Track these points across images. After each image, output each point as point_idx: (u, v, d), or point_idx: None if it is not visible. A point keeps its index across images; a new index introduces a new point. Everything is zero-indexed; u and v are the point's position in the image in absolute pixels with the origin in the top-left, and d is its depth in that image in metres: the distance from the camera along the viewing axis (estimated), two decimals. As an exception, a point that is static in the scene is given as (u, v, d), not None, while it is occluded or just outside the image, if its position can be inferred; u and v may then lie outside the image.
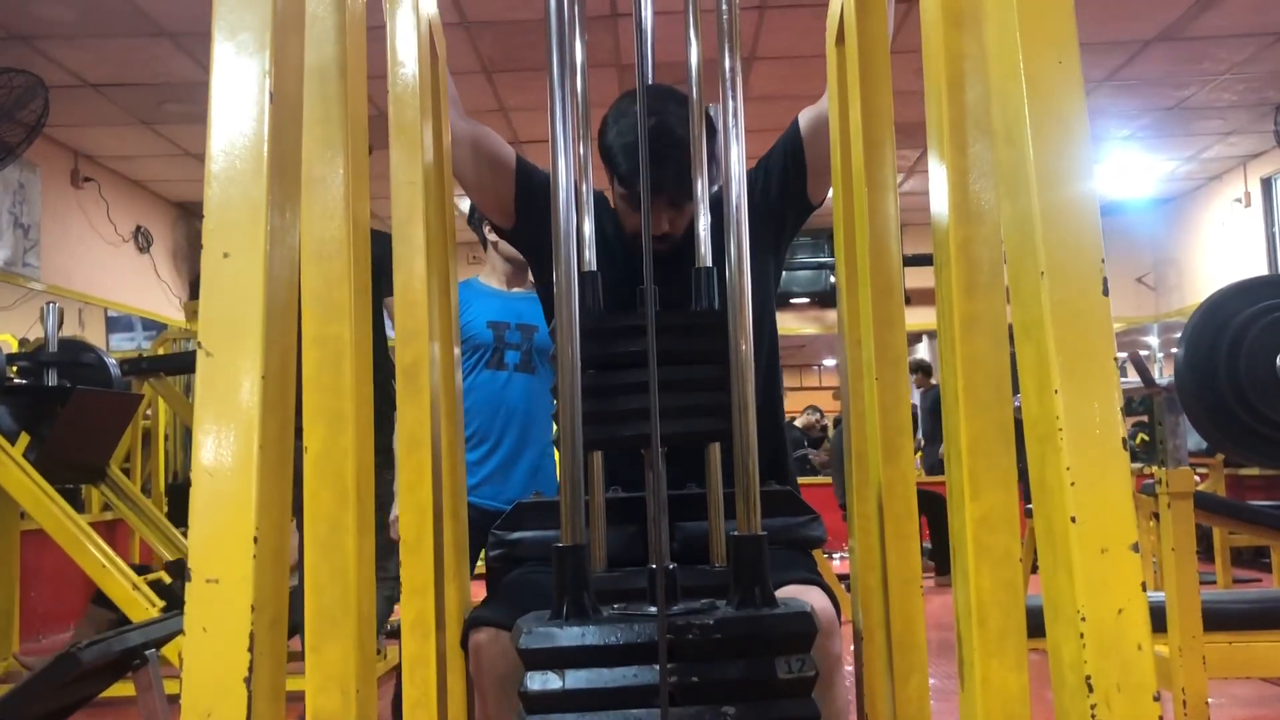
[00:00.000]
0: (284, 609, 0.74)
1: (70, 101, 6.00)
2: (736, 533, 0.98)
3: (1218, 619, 2.31)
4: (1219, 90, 6.72)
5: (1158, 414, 2.38)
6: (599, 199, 1.90)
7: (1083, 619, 0.70)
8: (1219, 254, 8.75)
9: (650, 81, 1.70)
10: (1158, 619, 2.31)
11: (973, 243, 0.98)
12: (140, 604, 4.21)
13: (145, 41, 5.34)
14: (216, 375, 0.74)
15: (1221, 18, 5.54)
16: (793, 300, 9.70)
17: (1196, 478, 2.33)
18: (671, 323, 1.16)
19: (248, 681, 0.70)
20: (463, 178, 1.89)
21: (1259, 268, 7.94)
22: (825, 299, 9.50)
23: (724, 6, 1.32)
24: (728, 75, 1.33)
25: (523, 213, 1.91)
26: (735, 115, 1.33)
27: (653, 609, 0.97)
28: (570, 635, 0.92)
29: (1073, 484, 0.72)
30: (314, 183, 0.92)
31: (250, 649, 0.70)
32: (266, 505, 0.73)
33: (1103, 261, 0.75)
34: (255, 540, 0.72)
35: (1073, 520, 0.71)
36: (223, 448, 0.73)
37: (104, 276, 7.37)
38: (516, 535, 1.72)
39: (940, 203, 1.00)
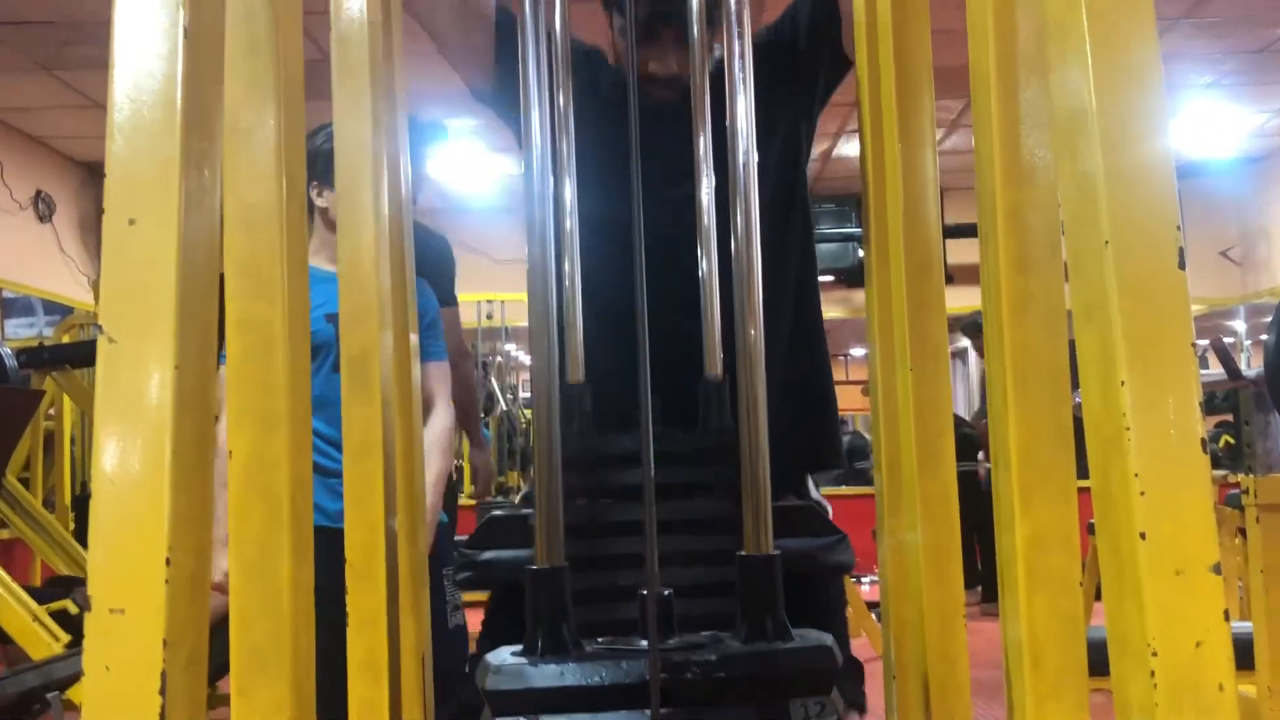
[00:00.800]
0: (203, 644, 0.73)
1: (-44, 43, 5.98)
2: (744, 553, 0.98)
3: (1314, 654, 2.32)
4: (1318, 30, 6.72)
5: (1244, 412, 2.38)
6: (590, 52, 1.97)
7: (1154, 654, 0.69)
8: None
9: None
10: (1243, 654, 2.32)
11: (1024, 209, 0.97)
12: (41, 638, 4.21)
13: (45, -28, 5.32)
14: (121, 366, 0.73)
15: (1320, -56, 5.54)
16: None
17: (1290, 487, 2.33)
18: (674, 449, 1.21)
19: (159, 730, 0.69)
20: (431, 24, 1.94)
21: (1365, 239, 7.95)
22: (852, 277, 9.49)
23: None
24: (732, 8, 1.32)
25: (505, 67, 1.93)
26: (742, 57, 1.33)
27: (644, 643, 0.96)
28: (546, 674, 0.91)
29: (1142, 494, 0.71)
30: (239, 134, 0.92)
31: (162, 691, 0.70)
32: (182, 521, 0.73)
33: (1179, 229, 0.75)
34: (168, 563, 0.71)
35: (1142, 537, 0.71)
36: (129, 452, 0.72)
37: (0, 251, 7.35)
38: (489, 555, 1.71)
39: (987, 161, 1.00)
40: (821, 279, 9.32)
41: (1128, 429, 0.72)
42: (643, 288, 1.19)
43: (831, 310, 10.41)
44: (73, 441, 7.03)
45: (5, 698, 2.79)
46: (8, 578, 4.37)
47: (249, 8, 0.92)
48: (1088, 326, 0.78)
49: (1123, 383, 0.73)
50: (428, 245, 3.40)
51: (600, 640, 0.96)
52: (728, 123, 1.30)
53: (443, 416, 3.04)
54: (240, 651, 0.93)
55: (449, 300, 3.51)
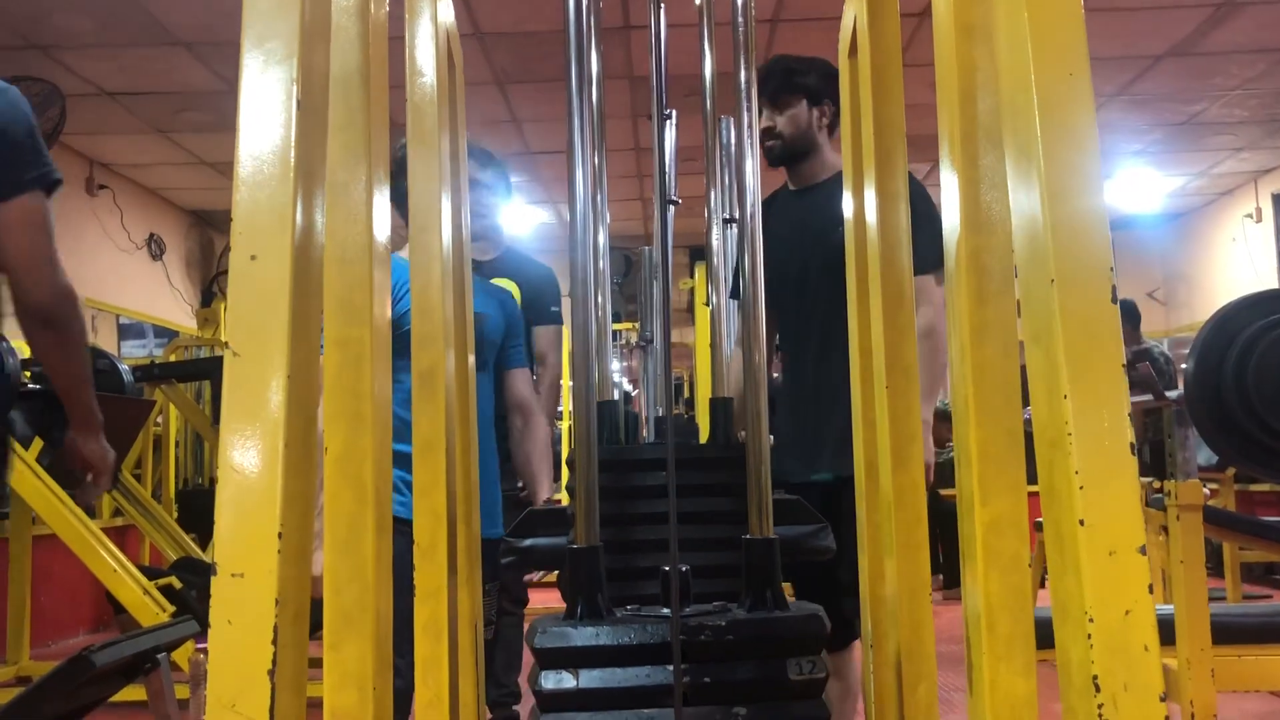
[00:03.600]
0: (306, 604, 0.75)
1: (86, 110, 6.05)
2: (749, 536, 1.00)
3: (1226, 632, 2.31)
4: (1230, 106, 6.72)
5: (1167, 428, 2.39)
6: None
7: (1090, 620, 0.71)
8: (1230, 269, 8.74)
9: (664, 94, 1.72)
10: (1166, 632, 2.31)
11: (983, 252, 0.99)
12: (150, 609, 4.24)
13: (162, 50, 5.38)
14: (243, 375, 0.75)
15: (1232, 34, 5.55)
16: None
17: (1206, 492, 2.33)
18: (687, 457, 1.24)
19: (271, 674, 0.71)
20: None
21: (1270, 283, 7.93)
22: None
23: (739, 20, 1.34)
24: (742, 88, 1.35)
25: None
26: (750, 128, 1.35)
27: (665, 611, 0.98)
28: (584, 635, 0.93)
29: (1082, 488, 0.73)
30: (337, 188, 0.94)
31: (274, 642, 0.72)
32: (291, 502, 0.75)
33: (1112, 270, 0.76)
34: (280, 536, 0.73)
35: (1081, 523, 0.72)
36: (249, 445, 0.74)
37: (117, 283, 7.41)
38: (529, 542, 1.73)
39: (952, 213, 1.02)
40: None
41: (1069, 434, 0.74)
42: (667, 322, 1.22)
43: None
44: (177, 444, 7.07)
45: (124, 657, 2.79)
46: (123, 557, 4.41)
47: (347, 87, 0.95)
48: (1036, 349, 0.80)
49: (1065, 396, 0.75)
50: (530, 272, 3.48)
51: (629, 608, 0.98)
52: (740, 180, 1.32)
53: (542, 425, 3.04)
54: (333, 614, 0.95)
55: (544, 319, 3.47)
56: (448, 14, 1.62)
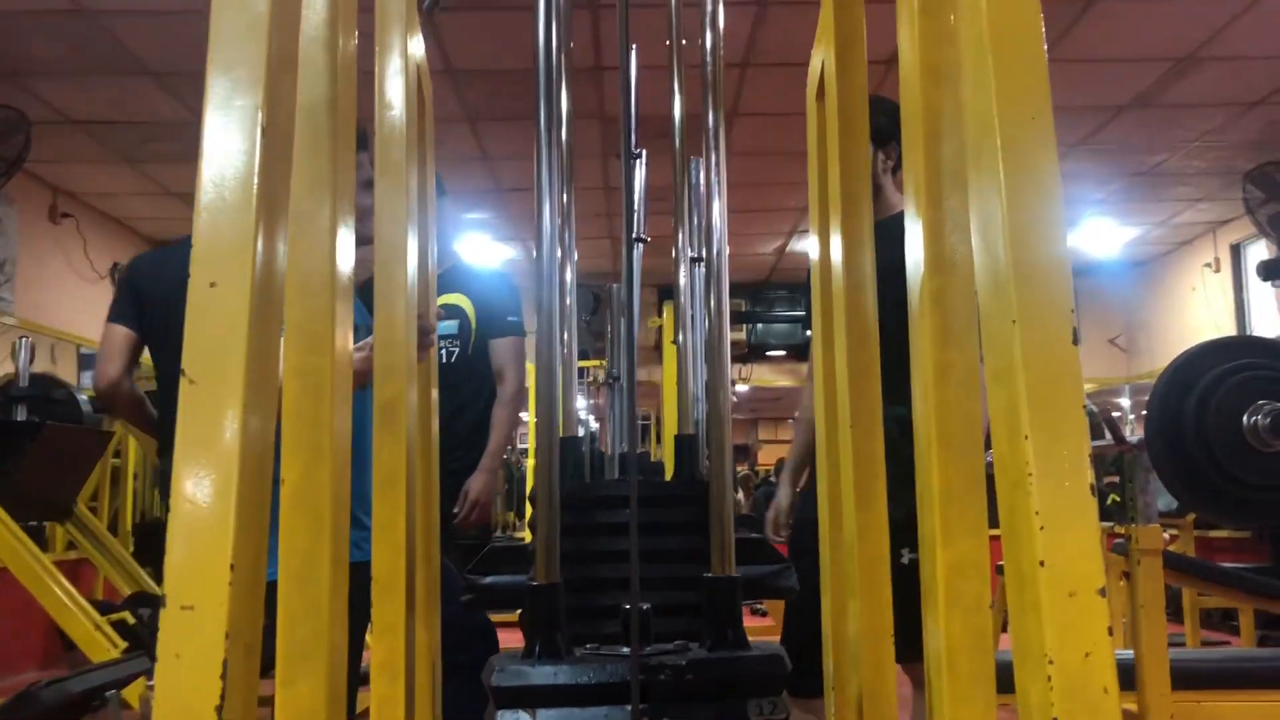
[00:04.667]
0: (258, 638, 0.74)
1: (52, 137, 6.00)
2: (710, 574, 0.99)
3: (1186, 677, 2.32)
4: (1190, 157, 6.85)
5: (1128, 472, 2.41)
6: None
7: (1050, 662, 0.71)
8: (1190, 318, 8.87)
9: (634, 134, 1.73)
10: (1127, 676, 2.32)
11: (947, 293, 1.00)
12: (101, 644, 4.14)
13: (131, 80, 5.36)
14: (199, 403, 0.74)
15: (1193, 87, 5.67)
16: (769, 353, 9.76)
17: (1166, 536, 2.35)
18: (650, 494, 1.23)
19: (219, 710, 0.69)
20: None
21: (1229, 331, 8.05)
22: (801, 352, 9.57)
23: (708, 63, 1.35)
24: (711, 130, 1.35)
25: None
26: (718, 169, 1.36)
27: (625, 649, 0.97)
28: (542, 674, 0.92)
29: (1042, 528, 0.73)
30: (302, 218, 0.94)
31: (223, 676, 0.70)
32: (244, 532, 0.73)
33: (1073, 311, 0.77)
34: (232, 568, 0.72)
35: (1041, 564, 0.72)
36: (202, 475, 0.73)
37: (79, 313, 7.32)
38: (490, 580, 1.71)
39: (916, 254, 1.02)
40: (774, 353, 9.32)
41: (1030, 474, 0.74)
42: (632, 359, 1.22)
43: (782, 379, 10.46)
44: (135, 476, 6.96)
45: (72, 694, 2.73)
46: (74, 591, 4.32)
47: (314, 117, 0.95)
48: (998, 388, 0.80)
49: (1026, 436, 0.75)
50: (481, 282, 3.26)
51: (588, 647, 0.97)
52: (708, 220, 1.33)
53: (511, 390, 3.13)
54: (285, 649, 0.93)
55: (499, 331, 3.19)
56: (418, 49, 1.63)
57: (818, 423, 1.67)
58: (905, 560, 1.75)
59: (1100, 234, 8.48)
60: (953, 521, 0.96)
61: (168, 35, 4.86)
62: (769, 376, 9.92)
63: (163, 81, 5.39)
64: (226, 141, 0.79)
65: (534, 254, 1.35)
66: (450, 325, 3.12)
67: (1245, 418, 1.95)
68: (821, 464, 1.65)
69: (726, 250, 1.47)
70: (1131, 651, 2.36)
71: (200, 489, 0.73)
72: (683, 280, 1.57)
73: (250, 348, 0.76)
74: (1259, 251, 8.01)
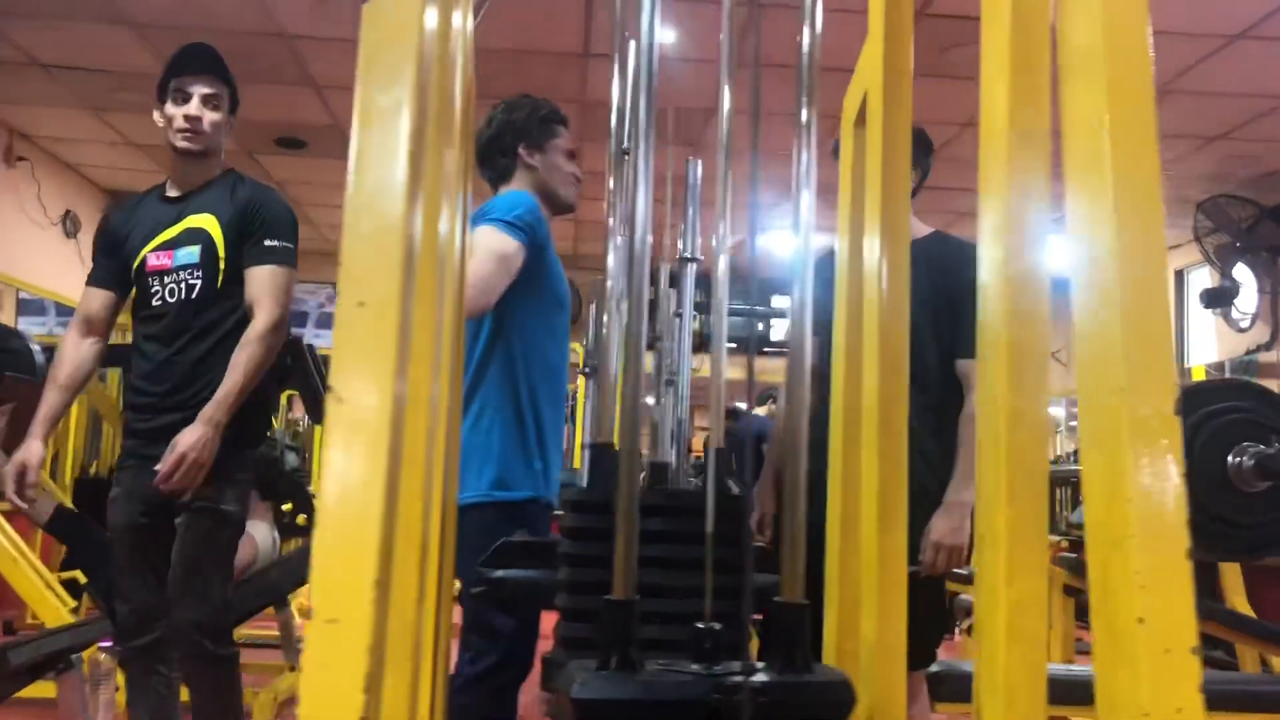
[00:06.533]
0: (408, 651, 0.76)
1: (14, 78, 5.85)
2: (779, 599, 1.03)
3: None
4: (1147, 184, 7.02)
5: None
6: None
7: (1146, 715, 0.75)
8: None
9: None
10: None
11: (1021, 343, 1.04)
12: (51, 603, 4.08)
13: (108, 29, 5.23)
14: (347, 425, 0.76)
15: (1160, 118, 5.80)
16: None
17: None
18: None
19: (361, 722, 0.71)
20: None
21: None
22: (748, 346, 9.65)
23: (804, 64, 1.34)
24: (804, 126, 1.38)
25: None
26: (808, 169, 1.39)
27: (696, 666, 1.00)
28: (619, 687, 0.94)
29: (1142, 587, 0.77)
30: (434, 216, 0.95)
31: (366, 690, 0.72)
32: (390, 545, 0.75)
33: (1177, 384, 0.81)
34: (376, 584, 0.74)
35: (1140, 621, 0.77)
36: (349, 492, 0.75)
37: (26, 258, 7.14)
38: (500, 573, 1.73)
39: (992, 303, 1.06)
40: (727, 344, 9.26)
41: (1132, 535, 0.79)
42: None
43: (732, 371, 10.54)
44: (78, 429, 6.82)
45: (41, 655, 2.71)
46: (26, 549, 4.24)
47: (443, 116, 0.96)
48: (1095, 452, 0.85)
49: (1130, 500, 0.79)
50: (237, 199, 2.74)
51: (659, 663, 1.00)
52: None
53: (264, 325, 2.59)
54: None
55: (256, 258, 2.68)
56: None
57: (832, 442, 1.71)
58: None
59: (1053, 250, 8.66)
60: (1018, 560, 1.00)
61: (152, -14, 4.76)
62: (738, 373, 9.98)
63: (142, 32, 5.28)
64: (376, 170, 0.80)
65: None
66: (190, 253, 2.70)
67: (1230, 458, 2.04)
68: (834, 483, 1.69)
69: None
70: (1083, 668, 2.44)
71: (346, 506, 0.74)
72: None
73: (398, 368, 0.77)
74: (1201, 278, 8.25)
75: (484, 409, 2.43)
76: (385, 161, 0.80)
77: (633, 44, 1.35)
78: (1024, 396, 1.03)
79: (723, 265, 1.63)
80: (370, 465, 0.76)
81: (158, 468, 2.49)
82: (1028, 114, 1.06)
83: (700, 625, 1.03)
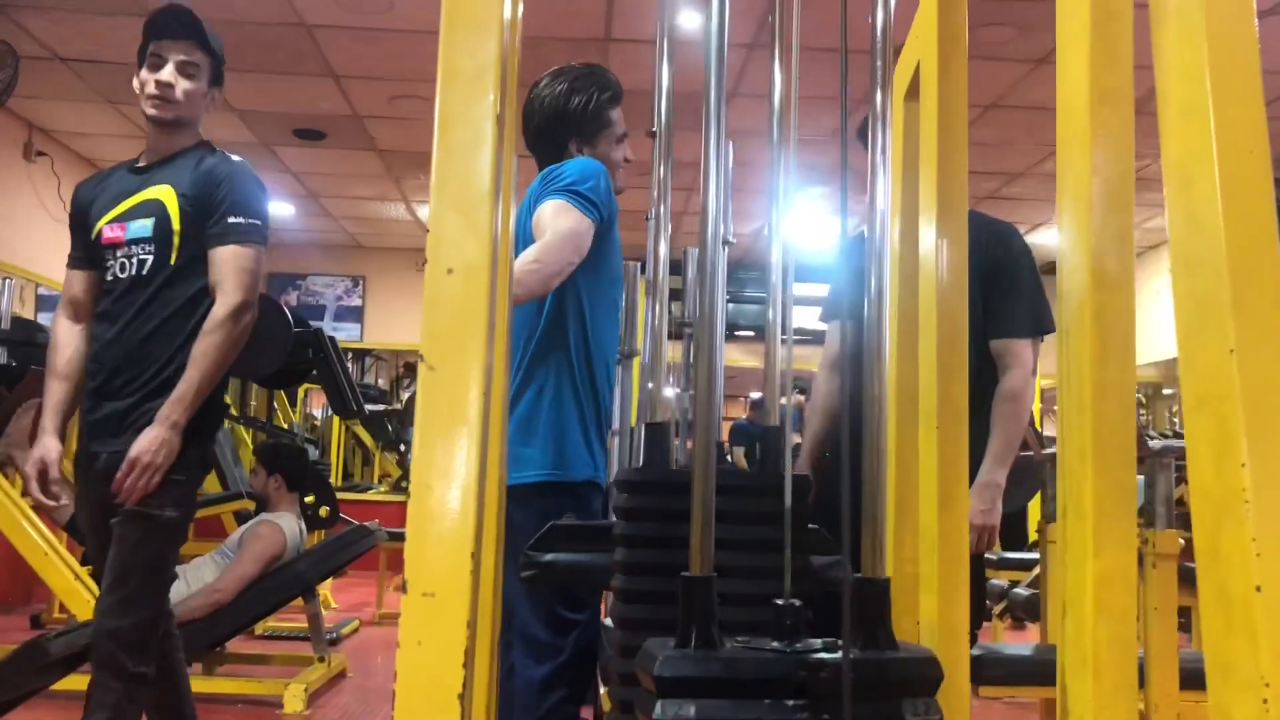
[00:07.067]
0: (498, 626, 0.74)
1: (34, 73, 5.84)
2: (861, 574, 1.01)
3: (1195, 678, 2.39)
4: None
5: (1149, 477, 2.47)
6: None
7: (1266, 684, 0.73)
8: (1157, 319, 9.05)
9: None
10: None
11: (1107, 311, 1.01)
12: (81, 595, 4.08)
13: (130, 21, 5.21)
14: (439, 390, 0.74)
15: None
16: (738, 333, 9.82)
17: (1181, 541, 2.41)
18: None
19: (461, 698, 0.70)
20: None
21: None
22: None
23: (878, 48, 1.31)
24: (879, 110, 1.35)
25: None
26: (884, 153, 1.36)
27: (776, 644, 0.98)
28: (703, 665, 0.92)
29: (1259, 555, 0.75)
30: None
31: (465, 665, 0.70)
32: (484, 520, 0.73)
33: (1291, 345, 0.79)
34: (473, 557, 0.72)
35: (1258, 589, 0.74)
36: (444, 461, 0.73)
37: (47, 254, 7.14)
38: (549, 557, 1.71)
39: (1075, 272, 1.04)
40: (743, 334, 9.28)
41: (1246, 500, 0.76)
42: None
43: (750, 360, 10.52)
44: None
45: (79, 646, 2.71)
46: (54, 539, 4.25)
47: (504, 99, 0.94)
48: (1202, 414, 0.82)
49: (1243, 464, 0.77)
50: (197, 171, 2.52)
51: (739, 640, 0.98)
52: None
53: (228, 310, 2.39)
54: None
55: (219, 237, 2.47)
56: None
57: (890, 421, 1.68)
58: None
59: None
60: (1105, 533, 0.98)
61: (170, -23, 4.74)
62: (738, 356, 9.95)
63: (159, 24, 5.26)
64: (462, 136, 0.78)
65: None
66: (143, 226, 2.48)
67: None
68: (890, 462, 1.66)
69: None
70: (1141, 651, 2.42)
71: (442, 478, 0.73)
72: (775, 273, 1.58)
73: (490, 334, 0.76)
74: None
75: (544, 387, 2.30)
76: (472, 123, 0.78)
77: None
78: (1111, 367, 1.00)
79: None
80: (466, 436, 0.74)
81: (99, 467, 2.37)
82: (1109, 74, 1.03)
83: (779, 602, 1.01)
